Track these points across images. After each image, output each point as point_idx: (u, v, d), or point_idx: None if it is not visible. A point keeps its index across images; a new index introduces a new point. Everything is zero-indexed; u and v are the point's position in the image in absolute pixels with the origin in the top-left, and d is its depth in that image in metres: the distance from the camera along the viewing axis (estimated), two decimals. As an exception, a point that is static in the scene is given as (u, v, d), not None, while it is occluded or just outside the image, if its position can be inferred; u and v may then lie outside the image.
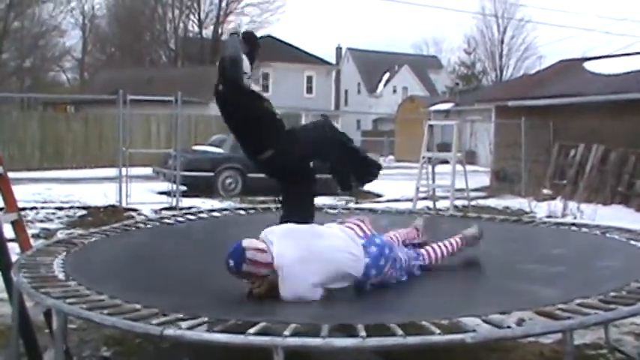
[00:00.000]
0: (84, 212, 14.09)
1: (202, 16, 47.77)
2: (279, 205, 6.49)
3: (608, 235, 6.47)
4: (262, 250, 4.38)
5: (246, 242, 4.39)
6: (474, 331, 3.51)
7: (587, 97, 18.43)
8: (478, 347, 5.36)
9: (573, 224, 7.57)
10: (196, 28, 48.48)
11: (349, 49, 72.25)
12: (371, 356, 5.13)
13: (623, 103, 17.01)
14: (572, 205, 14.92)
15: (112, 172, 16.82)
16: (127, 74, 36.62)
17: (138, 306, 4.07)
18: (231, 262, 4.35)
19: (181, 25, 48.21)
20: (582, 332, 5.89)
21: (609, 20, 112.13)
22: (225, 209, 8.52)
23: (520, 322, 4.03)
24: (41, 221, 12.98)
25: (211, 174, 18.71)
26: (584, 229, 6.89)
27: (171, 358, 5.51)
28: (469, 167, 16.40)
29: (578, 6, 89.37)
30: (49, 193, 17.34)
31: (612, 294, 4.15)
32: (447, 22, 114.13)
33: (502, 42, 64.65)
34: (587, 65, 21.53)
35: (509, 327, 3.64)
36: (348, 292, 4.99)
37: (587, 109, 18.18)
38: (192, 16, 48.15)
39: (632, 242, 6.00)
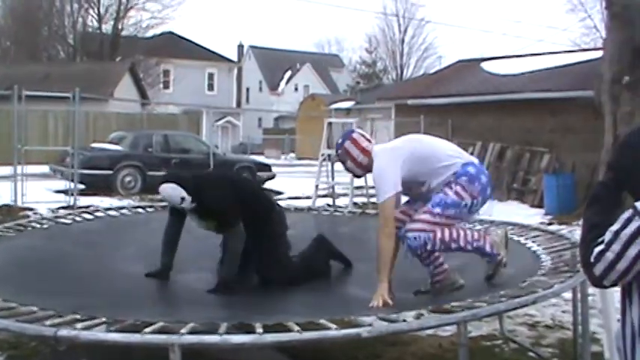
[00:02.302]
0: (-24, 211, 13.66)
1: (102, 10, 46.58)
2: None
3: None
4: (368, 140, 5.26)
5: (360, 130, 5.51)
6: (370, 325, 3.56)
7: (484, 97, 18.85)
8: (377, 343, 5.44)
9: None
10: (96, 23, 47.34)
11: (251, 46, 72.11)
12: (277, 357, 5.15)
13: (517, 102, 17.48)
14: (469, 201, 15.22)
15: (6, 170, 16.32)
16: (23, 69, 35.48)
17: (34, 308, 3.98)
18: (340, 139, 5.34)
19: (80, 19, 46.98)
20: (478, 324, 6.05)
21: (506, 22, 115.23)
22: (123, 207, 8.36)
23: (418, 316, 4.12)
24: None
25: (110, 172, 18.37)
26: (478, 226, 7.06)
27: (69, 360, 5.39)
28: (370, 165, 16.62)
29: (476, 8, 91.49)
30: (-60, 193, 16.72)
31: (502, 292, 4.27)
32: (349, 22, 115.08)
33: (403, 41, 65.56)
34: (485, 65, 22.02)
35: (404, 320, 3.71)
36: (248, 294, 4.99)
37: (484, 108, 18.61)
38: (91, 11, 46.91)
39: (523, 240, 6.19)
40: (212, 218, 5.78)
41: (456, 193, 4.90)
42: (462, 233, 4.94)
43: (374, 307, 4.58)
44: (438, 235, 4.84)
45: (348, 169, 5.37)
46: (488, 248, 4.96)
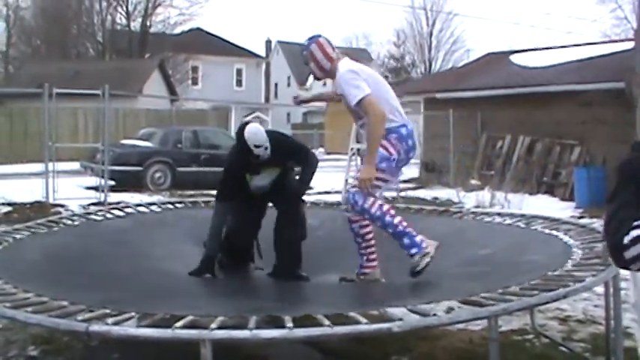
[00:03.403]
0: (9, 209, 13.80)
1: (130, 8, 46.88)
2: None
3: (532, 225, 6.61)
4: (333, 48, 5.62)
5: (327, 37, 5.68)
6: (401, 319, 3.55)
7: (513, 89, 18.75)
8: (408, 336, 5.43)
9: (499, 214, 7.69)
10: (124, 21, 47.63)
11: (279, 41, 72.04)
12: (306, 351, 5.16)
13: (547, 95, 17.37)
14: (499, 195, 15.17)
15: (38, 167, 16.47)
16: (54, 67, 35.77)
17: (65, 303, 4.01)
18: (307, 41, 5.65)
19: (109, 17, 47.26)
20: (509, 318, 6.02)
21: (535, 14, 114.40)
22: (153, 204, 8.41)
23: (449, 310, 4.11)
24: (-36, 218, 12.67)
25: (140, 168, 18.49)
26: (508, 220, 7.02)
27: (101, 355, 5.43)
28: (398, 159, 16.57)
29: (505, 0, 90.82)
30: (-27, 190, 16.91)
31: (532, 282, 4.25)
32: (377, 16, 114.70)
33: (431, 35, 65.15)
34: (514, 58, 21.90)
35: (435, 315, 3.69)
36: (277, 285, 4.99)
37: (514, 100, 18.50)
38: (119, 9, 47.22)
39: (555, 232, 6.14)
40: (280, 165, 6.06)
41: (385, 148, 5.32)
42: (399, 217, 5.28)
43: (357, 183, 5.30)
44: (380, 202, 5.30)
45: (310, 71, 5.72)
46: (418, 239, 5.20)
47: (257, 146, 5.77)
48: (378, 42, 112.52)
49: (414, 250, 5.14)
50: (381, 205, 5.24)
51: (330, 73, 5.58)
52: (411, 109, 25.53)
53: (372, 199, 5.23)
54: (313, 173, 6.15)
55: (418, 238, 5.18)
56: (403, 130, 5.40)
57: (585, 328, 6.22)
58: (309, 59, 5.60)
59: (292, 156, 6.18)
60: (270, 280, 5.78)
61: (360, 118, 5.46)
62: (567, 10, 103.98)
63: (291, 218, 6.03)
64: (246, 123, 5.96)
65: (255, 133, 5.78)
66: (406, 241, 5.16)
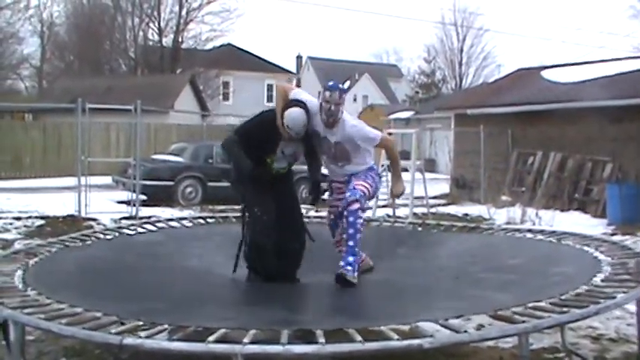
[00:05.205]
0: (42, 222, 13.92)
1: (162, 24, 47.28)
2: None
3: (563, 241, 6.58)
4: None
5: None
6: (432, 336, 3.55)
7: (544, 105, 18.64)
8: (437, 352, 5.41)
9: (530, 230, 7.66)
10: (156, 37, 48.05)
11: (310, 57, 72.33)
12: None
13: (579, 110, 17.24)
14: (530, 211, 15.07)
15: (71, 181, 16.60)
16: (86, 83, 36.16)
17: (98, 314, 4.06)
18: (340, 85, 6.14)
19: (141, 33, 47.69)
20: (540, 336, 5.97)
21: (566, 30, 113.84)
22: (184, 218, 8.47)
23: (479, 327, 4.09)
24: (-2, 232, 12.80)
25: (171, 183, 18.61)
26: (539, 236, 6.99)
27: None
28: (429, 175, 16.57)
29: (535, 16, 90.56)
30: (7, 203, 17.06)
31: (562, 297, 4.23)
32: (407, 32, 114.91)
33: (461, 51, 65.15)
34: (545, 73, 21.78)
35: (465, 331, 3.69)
36: (307, 295, 5.00)
37: (545, 116, 18.40)
38: (152, 25, 47.66)
39: (585, 248, 6.11)
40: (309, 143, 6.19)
41: (372, 178, 6.22)
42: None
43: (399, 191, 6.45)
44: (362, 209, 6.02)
45: (330, 112, 5.91)
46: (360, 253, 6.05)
47: (290, 128, 5.90)
48: (408, 58, 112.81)
49: (349, 268, 5.74)
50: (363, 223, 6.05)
51: (337, 122, 6.01)
52: (441, 125, 25.53)
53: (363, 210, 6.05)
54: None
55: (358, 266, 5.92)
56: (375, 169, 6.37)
57: (618, 347, 6.15)
58: (342, 104, 5.96)
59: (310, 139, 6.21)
60: (299, 287, 5.80)
61: (343, 160, 6.16)
62: (599, 25, 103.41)
63: (294, 222, 6.20)
64: (293, 101, 6.01)
65: (294, 119, 5.89)
66: (351, 259, 5.78)
